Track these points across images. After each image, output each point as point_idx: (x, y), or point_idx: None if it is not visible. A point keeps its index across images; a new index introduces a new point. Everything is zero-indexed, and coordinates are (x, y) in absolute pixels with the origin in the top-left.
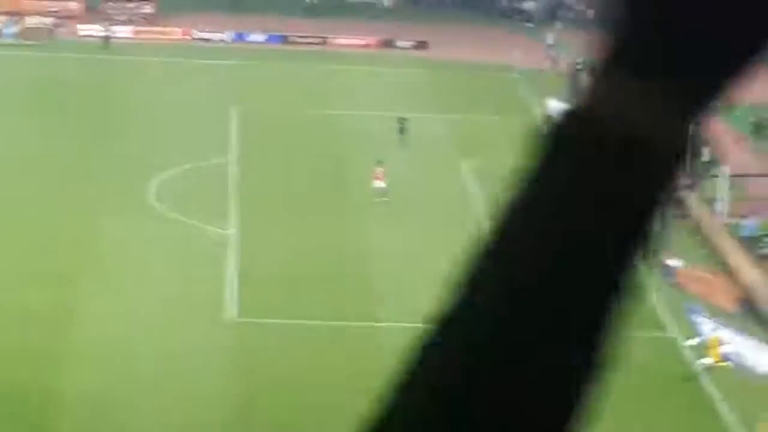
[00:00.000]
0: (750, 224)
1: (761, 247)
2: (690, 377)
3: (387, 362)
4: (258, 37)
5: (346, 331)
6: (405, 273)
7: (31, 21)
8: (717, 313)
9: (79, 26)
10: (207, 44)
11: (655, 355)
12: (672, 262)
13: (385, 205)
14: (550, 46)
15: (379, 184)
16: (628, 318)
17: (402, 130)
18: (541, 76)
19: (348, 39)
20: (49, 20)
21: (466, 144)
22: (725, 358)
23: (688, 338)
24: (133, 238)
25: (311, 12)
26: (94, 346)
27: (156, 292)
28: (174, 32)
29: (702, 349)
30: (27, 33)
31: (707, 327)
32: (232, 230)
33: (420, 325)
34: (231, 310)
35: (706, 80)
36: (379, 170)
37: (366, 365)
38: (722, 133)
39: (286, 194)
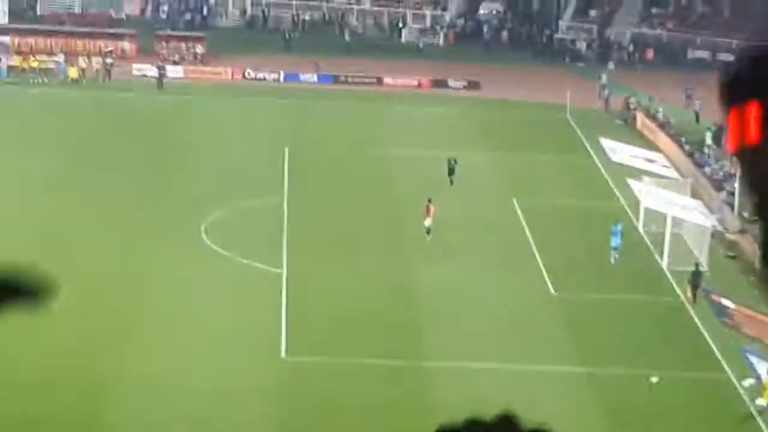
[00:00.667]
0: None
1: None
2: (745, 418)
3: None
4: (310, 76)
5: (397, 370)
6: (456, 312)
7: (87, 61)
8: None
9: (134, 65)
10: (259, 83)
11: (711, 396)
12: (726, 302)
13: (437, 244)
14: (603, 86)
15: (428, 221)
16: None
17: (452, 171)
18: (594, 115)
19: (400, 79)
20: (107, 60)
21: (518, 183)
22: None
23: (743, 379)
24: (184, 275)
25: (363, 52)
26: (144, 381)
27: (206, 329)
28: (225, 72)
29: (757, 391)
30: (83, 73)
31: (763, 368)
32: (283, 269)
33: (469, 364)
34: (280, 348)
35: None
36: (429, 207)
37: (416, 404)
38: None
39: (336, 233)
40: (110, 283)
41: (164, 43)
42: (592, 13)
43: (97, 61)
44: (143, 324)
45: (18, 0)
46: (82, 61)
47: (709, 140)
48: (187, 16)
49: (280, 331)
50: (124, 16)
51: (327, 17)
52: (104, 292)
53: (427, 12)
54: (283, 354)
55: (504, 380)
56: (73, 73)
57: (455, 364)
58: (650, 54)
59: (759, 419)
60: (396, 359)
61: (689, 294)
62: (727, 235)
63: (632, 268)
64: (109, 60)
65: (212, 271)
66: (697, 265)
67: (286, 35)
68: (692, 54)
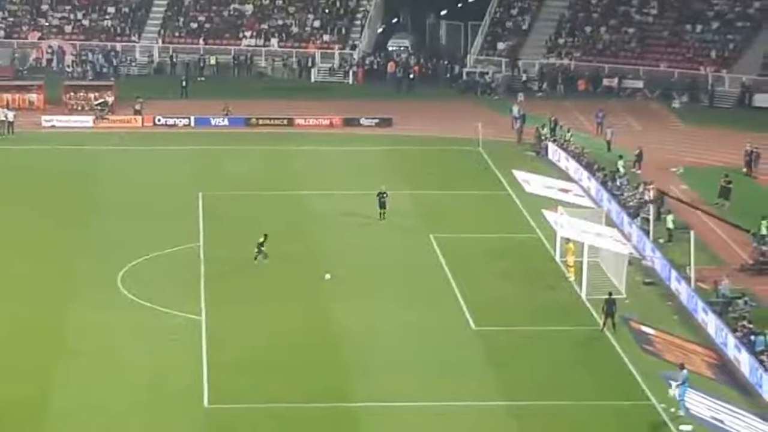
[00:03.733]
0: (722, 288)
1: (732, 312)
2: None
3: None
4: (221, 120)
5: (321, 413)
6: (377, 350)
7: None
8: (693, 379)
9: (43, 117)
10: (170, 130)
11: (635, 424)
12: (646, 329)
13: (355, 283)
14: (515, 118)
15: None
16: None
17: (383, 205)
18: (506, 147)
19: (312, 119)
20: (10, 112)
21: (434, 218)
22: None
23: (667, 404)
24: (104, 327)
25: (274, 93)
26: None
27: (127, 382)
28: (135, 119)
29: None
30: None
31: (686, 394)
32: (202, 316)
33: (393, 403)
34: (203, 396)
35: None
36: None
37: None
38: (688, 196)
39: (254, 277)
40: (25, 339)
41: (72, 93)
42: (500, 45)
43: (4, 114)
44: (60, 380)
45: None
46: None
47: (621, 168)
48: (94, 67)
49: (202, 379)
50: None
51: (235, 60)
52: (19, 348)
53: (336, 51)
54: (206, 403)
55: (428, 417)
56: None
57: (379, 404)
58: (582, 85)
59: None
60: (320, 402)
61: (604, 322)
62: (644, 262)
63: (550, 299)
64: (10, 112)
65: (131, 321)
66: (610, 293)
67: (183, 83)
68: (604, 83)
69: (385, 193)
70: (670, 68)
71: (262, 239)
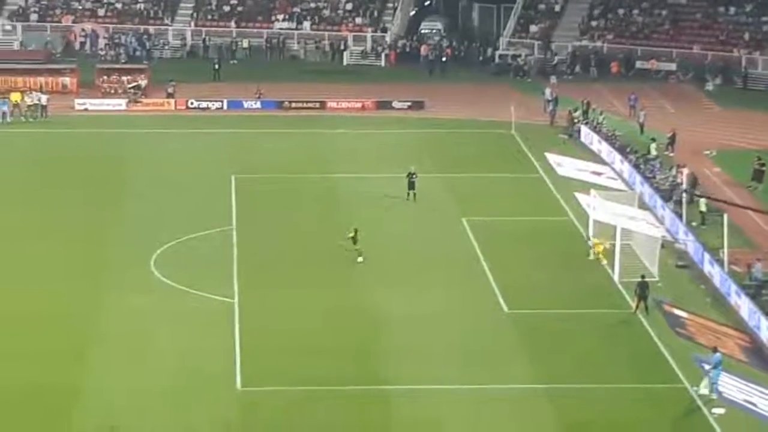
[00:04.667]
0: (756, 271)
1: (766, 295)
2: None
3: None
4: (253, 103)
5: (353, 396)
6: (410, 334)
7: (26, 98)
8: (726, 363)
9: (76, 100)
10: (203, 113)
11: (669, 407)
12: (679, 312)
13: (389, 267)
14: (547, 101)
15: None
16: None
17: (412, 185)
18: (539, 130)
19: (344, 102)
20: (44, 97)
21: (466, 201)
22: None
23: (700, 387)
24: (137, 310)
25: (306, 76)
26: (99, 420)
27: (160, 364)
28: (168, 103)
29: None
30: (23, 110)
31: (719, 377)
32: (235, 299)
33: (425, 387)
34: (236, 379)
35: None
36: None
37: (375, 429)
38: (721, 178)
39: (288, 260)
40: (59, 321)
41: (105, 77)
42: (533, 28)
43: (38, 97)
44: (93, 363)
45: None
46: (26, 98)
47: (654, 151)
48: (127, 50)
49: (235, 362)
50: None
51: (268, 43)
52: (56, 332)
53: (368, 34)
54: (239, 385)
55: (461, 401)
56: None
57: (413, 387)
58: (615, 68)
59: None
60: (352, 385)
61: (637, 305)
62: (677, 245)
63: (584, 282)
64: (44, 96)
65: (164, 304)
66: (643, 276)
67: (215, 66)
68: (637, 65)
69: (414, 173)
70: (704, 50)
71: (352, 234)
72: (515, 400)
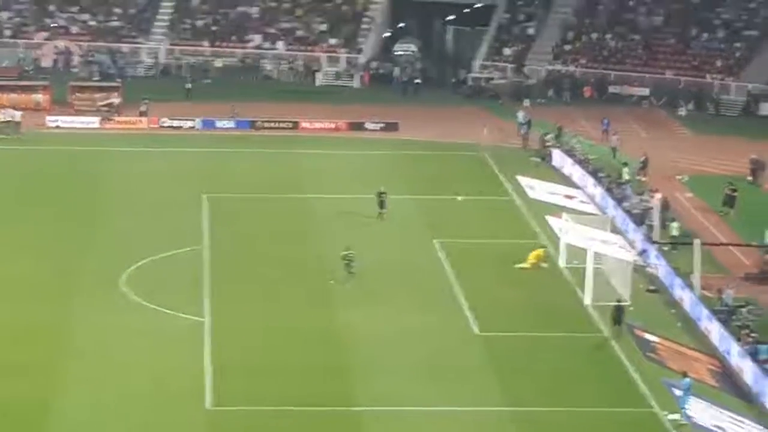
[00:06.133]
0: (726, 297)
1: (736, 320)
2: None
3: None
4: (227, 123)
5: (323, 416)
6: (380, 355)
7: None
8: (696, 387)
9: (47, 117)
10: (176, 132)
11: (638, 430)
12: (649, 336)
13: (360, 287)
14: (520, 124)
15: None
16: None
17: (381, 204)
18: (511, 153)
19: (317, 123)
20: (17, 113)
21: (437, 223)
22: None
23: (670, 412)
24: (107, 328)
25: (279, 97)
26: None
27: (129, 383)
28: (140, 121)
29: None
30: None
31: (689, 402)
32: (205, 318)
33: (395, 408)
34: (205, 399)
35: None
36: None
37: None
38: (693, 204)
39: (259, 280)
40: (31, 338)
41: (78, 94)
42: (506, 51)
43: (10, 114)
44: (63, 380)
45: None
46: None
47: (626, 175)
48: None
49: (205, 382)
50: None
51: (242, 63)
52: (24, 348)
53: (342, 55)
54: (208, 404)
55: (431, 422)
56: None
57: (382, 408)
58: (588, 92)
59: None
60: (322, 406)
61: (612, 329)
62: (648, 270)
63: (555, 305)
64: (17, 113)
65: (134, 322)
66: (618, 300)
67: (187, 85)
68: (609, 90)
69: (384, 192)
70: (677, 76)
71: (346, 252)
72: (482, 422)
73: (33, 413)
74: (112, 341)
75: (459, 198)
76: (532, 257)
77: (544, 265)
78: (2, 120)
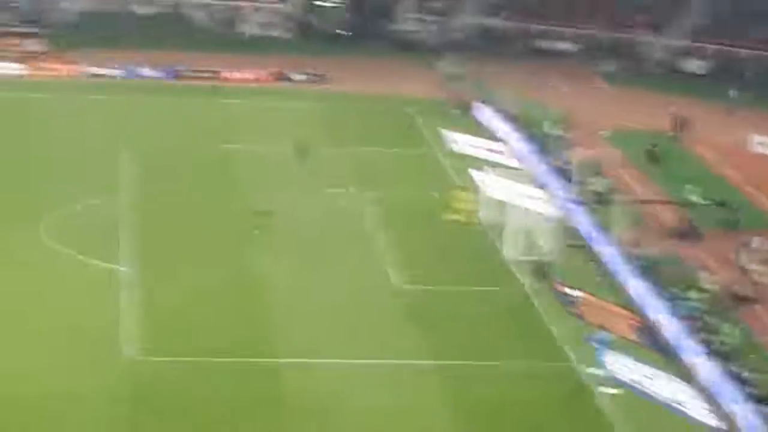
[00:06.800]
0: (647, 251)
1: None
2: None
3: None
4: (150, 72)
5: (243, 367)
6: (300, 307)
7: None
8: (618, 343)
9: None
10: (99, 80)
11: (558, 386)
12: (570, 291)
13: (281, 238)
14: (446, 78)
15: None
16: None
17: (302, 153)
18: (435, 106)
19: (241, 73)
20: None
21: (360, 175)
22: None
23: (589, 367)
24: (24, 275)
25: (203, 46)
26: None
27: (47, 329)
28: (65, 69)
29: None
30: None
31: (607, 356)
32: (126, 267)
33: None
34: (128, 348)
35: None
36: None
37: (263, 401)
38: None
39: (179, 230)
40: None
41: (2, 39)
42: (435, 4)
43: None
44: None
45: None
46: None
47: (547, 128)
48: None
49: (122, 331)
50: None
51: (167, 11)
52: None
53: (268, 5)
54: (125, 354)
55: (350, 375)
56: None
57: (300, 360)
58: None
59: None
60: (241, 357)
61: (533, 284)
62: (570, 224)
63: (475, 259)
64: None
65: (52, 270)
66: (540, 255)
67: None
68: (533, 44)
69: (302, 144)
70: (600, 32)
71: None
72: (399, 375)
73: None
74: (29, 289)
75: (436, 195)
76: (459, 205)
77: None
78: None
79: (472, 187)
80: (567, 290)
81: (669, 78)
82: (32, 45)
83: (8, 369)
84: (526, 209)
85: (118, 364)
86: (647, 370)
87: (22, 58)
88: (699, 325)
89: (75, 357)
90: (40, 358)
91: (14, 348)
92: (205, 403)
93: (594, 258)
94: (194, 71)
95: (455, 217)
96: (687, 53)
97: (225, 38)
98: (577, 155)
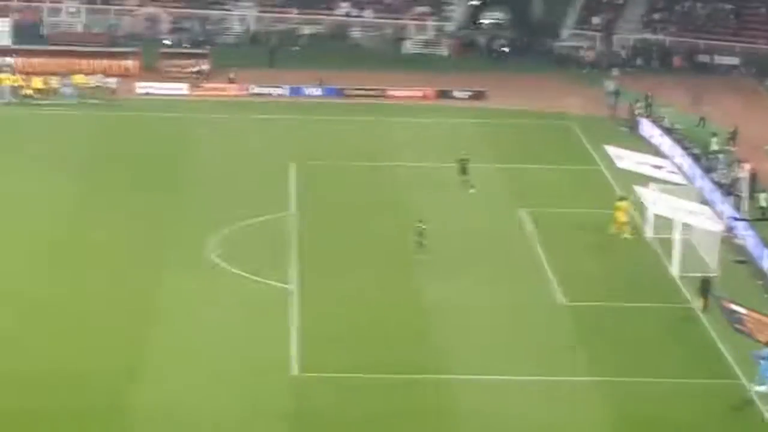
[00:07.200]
0: None
1: None
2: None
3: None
4: (314, 90)
5: (410, 384)
6: (467, 324)
7: (90, 80)
8: None
9: (137, 84)
10: (264, 99)
11: (726, 403)
12: (737, 307)
13: (447, 257)
14: (608, 93)
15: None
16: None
17: (464, 170)
18: (599, 123)
19: (405, 91)
20: (110, 79)
21: (524, 193)
22: None
23: (755, 385)
24: (194, 295)
25: (367, 64)
26: (154, 404)
27: (216, 348)
28: (229, 88)
29: None
30: (87, 92)
31: None
32: (293, 285)
33: (479, 377)
34: (292, 366)
35: None
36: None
37: (431, 417)
38: None
39: (346, 248)
40: (116, 304)
41: (167, 61)
42: (595, 20)
43: (101, 80)
44: (148, 347)
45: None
46: (90, 80)
47: (715, 145)
48: (191, 34)
49: (290, 348)
50: (123, 35)
51: (329, 30)
52: (109, 314)
53: (430, 23)
54: (293, 371)
55: (518, 392)
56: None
57: (468, 377)
58: (677, 62)
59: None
60: (408, 374)
61: (699, 301)
62: (736, 240)
63: (642, 275)
64: (113, 79)
65: (221, 290)
66: (705, 272)
67: (270, 52)
68: (698, 59)
69: (466, 159)
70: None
71: (418, 225)
72: (571, 393)
73: (120, 380)
74: (200, 307)
75: (472, 191)
76: (619, 216)
77: (627, 232)
78: (93, 85)
79: (631, 200)
80: (734, 307)
81: None
82: (199, 65)
83: (181, 388)
84: (692, 225)
85: (284, 380)
86: None
87: (189, 78)
88: None
89: (244, 375)
90: (209, 378)
91: (184, 366)
92: (368, 419)
93: (761, 274)
94: (358, 89)
95: (615, 230)
96: None
97: (387, 56)
98: (743, 171)
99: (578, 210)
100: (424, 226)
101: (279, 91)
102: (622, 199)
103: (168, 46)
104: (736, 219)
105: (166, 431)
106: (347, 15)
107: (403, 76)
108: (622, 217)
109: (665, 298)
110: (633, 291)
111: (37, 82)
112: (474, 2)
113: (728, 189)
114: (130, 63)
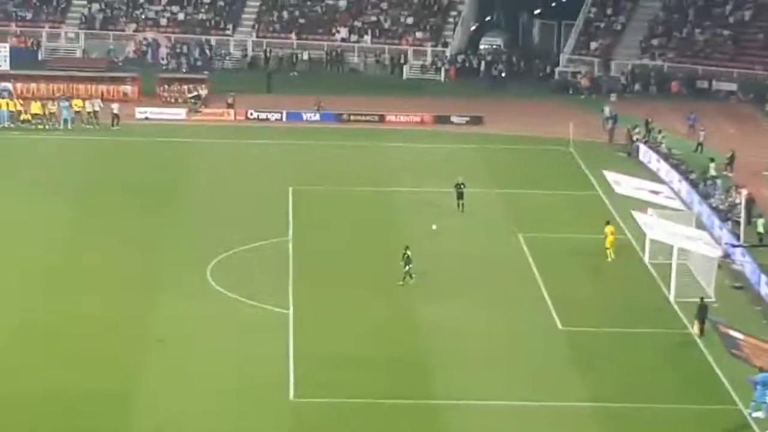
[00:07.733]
0: None
1: None
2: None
3: None
4: (312, 115)
5: (405, 409)
6: (463, 349)
7: (88, 105)
8: None
9: (137, 109)
10: (262, 124)
11: (722, 429)
12: (734, 333)
13: (443, 280)
14: (606, 119)
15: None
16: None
17: (460, 195)
18: (597, 148)
19: (403, 116)
20: (114, 105)
21: (522, 217)
22: None
23: (753, 410)
24: (192, 319)
25: (365, 89)
26: (150, 429)
27: (213, 372)
28: (227, 113)
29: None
30: (84, 117)
31: None
32: (289, 310)
33: (476, 402)
34: (288, 390)
35: None
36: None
37: None
38: None
39: (342, 272)
40: (113, 328)
41: (166, 86)
42: (593, 45)
43: (99, 105)
44: (146, 371)
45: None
46: (87, 105)
47: (712, 171)
48: (189, 60)
49: (288, 372)
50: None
51: (328, 55)
52: (106, 338)
53: (428, 48)
54: (291, 396)
55: (512, 417)
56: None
57: (463, 402)
58: (676, 87)
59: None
60: (404, 399)
61: (696, 327)
62: (733, 266)
63: (640, 301)
64: (114, 105)
65: (218, 313)
66: (702, 298)
67: (268, 77)
68: (696, 85)
69: (462, 184)
70: (765, 71)
71: (404, 253)
72: (563, 418)
73: (116, 404)
74: (196, 332)
75: (434, 227)
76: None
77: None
78: (90, 110)
79: (614, 222)
80: (731, 332)
81: None
82: (197, 90)
83: (177, 412)
84: (689, 251)
85: (282, 405)
86: None
87: (187, 103)
88: None
89: (242, 399)
90: (207, 400)
91: (182, 390)
92: None
93: (758, 300)
94: (357, 114)
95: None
96: None
97: (385, 82)
98: (740, 196)
99: (576, 235)
100: (409, 252)
101: (277, 116)
102: (607, 223)
103: (167, 71)
104: (733, 245)
105: None
106: (345, 40)
107: (401, 102)
108: (608, 241)
109: (662, 324)
110: (630, 316)
111: (36, 107)
112: (473, 27)
113: (726, 214)
114: (128, 88)
